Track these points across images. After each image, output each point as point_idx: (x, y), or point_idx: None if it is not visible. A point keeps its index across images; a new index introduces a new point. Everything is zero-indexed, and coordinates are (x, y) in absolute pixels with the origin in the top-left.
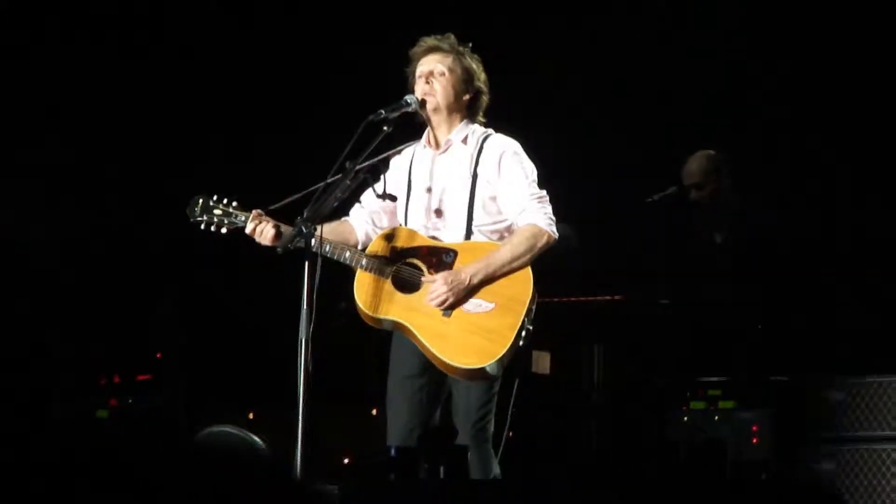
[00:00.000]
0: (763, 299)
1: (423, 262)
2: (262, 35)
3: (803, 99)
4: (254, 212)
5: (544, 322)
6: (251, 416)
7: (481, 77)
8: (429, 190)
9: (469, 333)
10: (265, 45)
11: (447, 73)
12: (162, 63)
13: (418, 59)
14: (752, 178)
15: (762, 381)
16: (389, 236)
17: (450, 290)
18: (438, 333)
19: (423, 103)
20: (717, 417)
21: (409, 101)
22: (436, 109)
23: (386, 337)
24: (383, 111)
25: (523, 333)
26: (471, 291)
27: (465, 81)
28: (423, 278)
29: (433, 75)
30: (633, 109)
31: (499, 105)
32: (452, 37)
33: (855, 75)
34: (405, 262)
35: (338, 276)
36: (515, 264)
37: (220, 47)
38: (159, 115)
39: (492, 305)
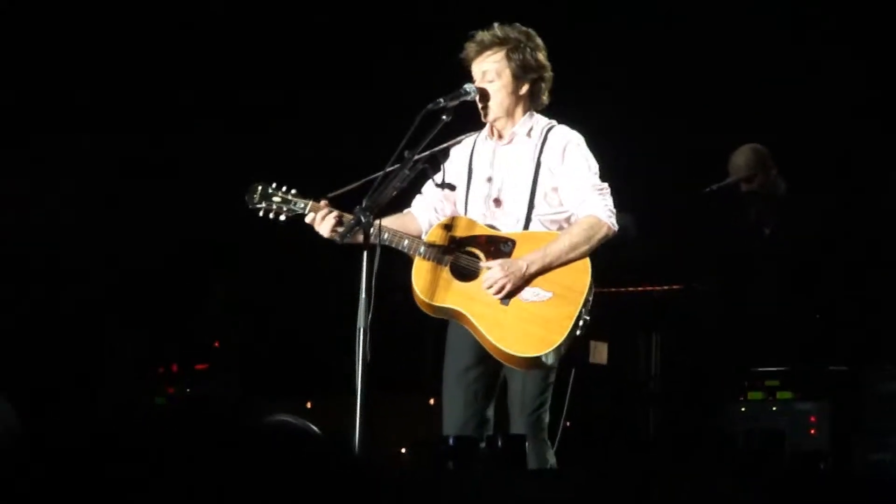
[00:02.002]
0: (819, 290)
1: (482, 250)
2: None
3: (852, 86)
4: (318, 202)
5: (602, 312)
6: (309, 405)
7: (538, 60)
8: (489, 179)
9: (526, 322)
10: (326, 22)
11: (496, 80)
12: (215, 51)
13: (470, 60)
14: (803, 169)
15: (820, 372)
16: (448, 225)
17: (506, 277)
18: (496, 322)
19: (482, 92)
20: (774, 408)
21: (468, 89)
22: (494, 118)
23: (443, 327)
24: (442, 100)
25: (580, 323)
26: (528, 280)
27: (517, 78)
28: (480, 264)
29: (484, 81)
30: (692, 99)
31: (560, 93)
32: (497, 27)
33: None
34: (463, 251)
35: (397, 265)
36: (574, 254)
37: (282, 44)
38: (218, 103)
39: (549, 295)
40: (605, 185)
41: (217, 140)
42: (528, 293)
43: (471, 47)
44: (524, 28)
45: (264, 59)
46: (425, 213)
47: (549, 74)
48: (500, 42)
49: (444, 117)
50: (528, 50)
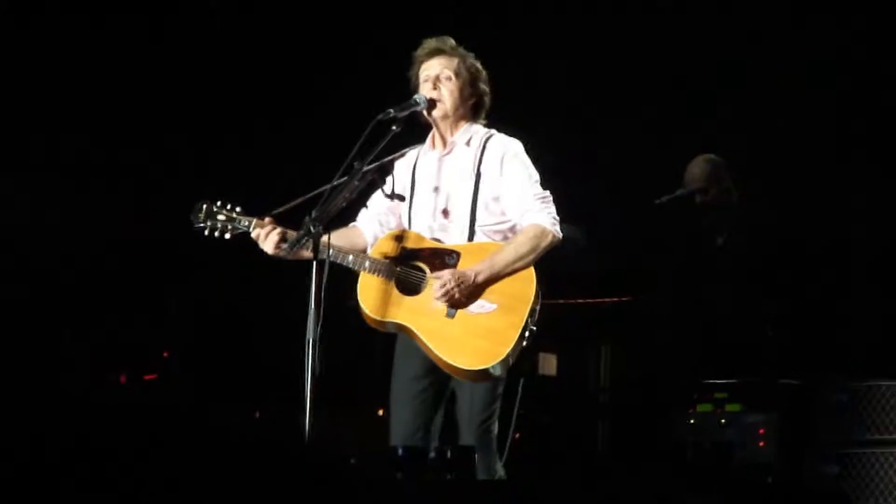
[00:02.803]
0: (770, 302)
1: (426, 263)
2: (265, 33)
3: (805, 95)
4: (261, 219)
5: (551, 324)
6: (257, 415)
7: (483, 77)
8: (436, 189)
9: (472, 335)
10: (267, 44)
11: (453, 78)
12: (164, 63)
13: (422, 62)
14: (755, 180)
15: (769, 385)
16: (392, 239)
17: (456, 286)
18: (442, 335)
19: (432, 103)
20: (723, 420)
21: (418, 100)
22: (444, 115)
23: (392, 338)
24: (392, 110)
25: (526, 334)
26: (475, 291)
27: (469, 84)
28: (427, 277)
29: (440, 80)
30: (641, 109)
31: (504, 104)
32: (451, 39)
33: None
34: (408, 265)
35: (347, 276)
36: (519, 264)
37: (222, 46)
38: (164, 117)
39: (494, 306)
40: (547, 192)
41: (172, 147)
42: (474, 305)
43: (428, 46)
44: None
45: (211, 71)
46: (370, 227)
47: (488, 98)
48: (455, 51)
49: (393, 128)
50: (478, 66)
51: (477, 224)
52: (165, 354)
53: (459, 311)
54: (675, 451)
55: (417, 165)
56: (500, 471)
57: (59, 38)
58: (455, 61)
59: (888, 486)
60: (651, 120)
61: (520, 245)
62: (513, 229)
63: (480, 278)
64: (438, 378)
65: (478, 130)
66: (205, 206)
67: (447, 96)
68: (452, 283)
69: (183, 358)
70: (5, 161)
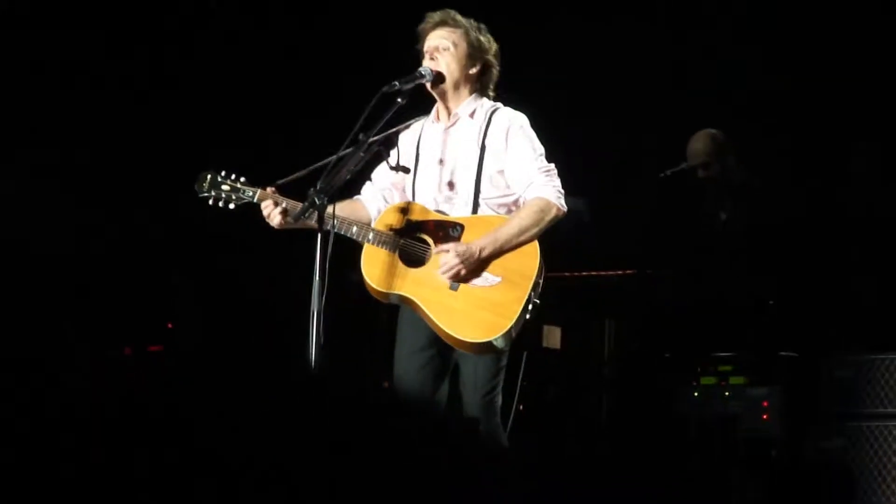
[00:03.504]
0: (774, 275)
1: (430, 236)
2: (265, 33)
3: (807, 75)
4: (264, 190)
5: (555, 297)
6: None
7: (491, 49)
8: (441, 162)
9: (475, 308)
10: (266, 44)
11: (452, 48)
12: (166, 47)
13: (426, 35)
14: (759, 155)
15: (773, 358)
16: (397, 211)
17: (461, 262)
18: (445, 307)
19: (439, 76)
20: (727, 393)
21: (423, 72)
22: (444, 90)
23: (396, 310)
24: (397, 83)
25: (530, 307)
26: (481, 264)
27: (470, 56)
28: (432, 250)
29: (438, 51)
30: (648, 85)
31: (510, 77)
32: (454, 11)
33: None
34: (412, 237)
35: (352, 249)
36: (524, 237)
37: (221, 46)
38: (167, 94)
39: (498, 279)
40: (552, 165)
41: (175, 120)
42: (477, 279)
43: (431, 19)
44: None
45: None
46: (374, 201)
47: (496, 70)
48: (458, 22)
49: (399, 100)
50: (483, 38)
51: (481, 196)
52: (170, 326)
53: (463, 283)
54: (679, 424)
55: (422, 137)
56: (505, 442)
57: (55, 37)
58: (456, 32)
59: (892, 460)
60: (656, 95)
61: (524, 219)
62: (517, 202)
63: (485, 253)
64: (442, 350)
65: (483, 103)
66: (209, 176)
67: (444, 67)
68: (457, 260)
69: (187, 329)
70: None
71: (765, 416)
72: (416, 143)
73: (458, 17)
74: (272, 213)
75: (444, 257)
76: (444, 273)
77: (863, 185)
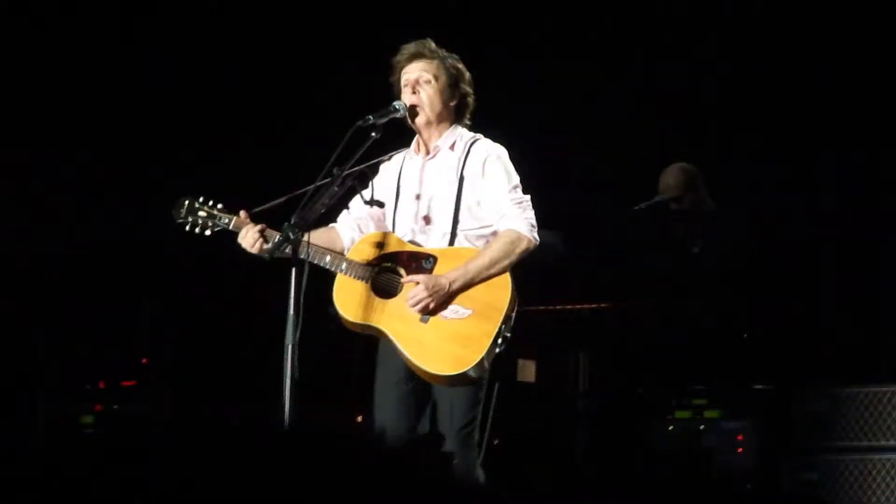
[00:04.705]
0: (748, 308)
1: (403, 267)
2: (250, 36)
3: (777, 102)
4: (240, 214)
5: (529, 330)
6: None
7: (466, 78)
8: (417, 197)
9: (445, 340)
10: (253, 47)
11: (433, 81)
12: (145, 66)
13: (402, 67)
14: (733, 186)
15: (747, 391)
16: (371, 241)
17: (430, 295)
18: (415, 339)
19: (412, 110)
20: (702, 427)
21: (397, 107)
22: (426, 121)
23: (372, 342)
24: (371, 117)
25: (500, 341)
26: (450, 297)
27: (451, 87)
28: (402, 281)
29: (419, 84)
30: (623, 117)
31: (486, 108)
32: (431, 42)
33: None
34: (385, 267)
35: (325, 281)
36: (495, 269)
37: (206, 47)
38: (146, 118)
39: (469, 312)
40: (527, 197)
41: (151, 152)
42: (448, 310)
43: (407, 50)
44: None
45: (194, 73)
46: (349, 231)
47: (472, 99)
48: (435, 53)
49: (373, 134)
50: (460, 67)
51: (459, 228)
52: (145, 361)
53: (433, 316)
54: (653, 458)
55: (402, 170)
56: (481, 476)
57: (49, 36)
58: (434, 64)
59: (867, 493)
60: (631, 124)
61: (495, 251)
62: (495, 234)
63: (455, 286)
64: (420, 383)
65: (462, 134)
66: (186, 202)
67: (426, 101)
68: (426, 293)
69: (162, 364)
70: None
71: (740, 450)
72: (396, 176)
73: (433, 45)
74: (249, 234)
75: (414, 290)
76: (412, 306)
77: (833, 210)
